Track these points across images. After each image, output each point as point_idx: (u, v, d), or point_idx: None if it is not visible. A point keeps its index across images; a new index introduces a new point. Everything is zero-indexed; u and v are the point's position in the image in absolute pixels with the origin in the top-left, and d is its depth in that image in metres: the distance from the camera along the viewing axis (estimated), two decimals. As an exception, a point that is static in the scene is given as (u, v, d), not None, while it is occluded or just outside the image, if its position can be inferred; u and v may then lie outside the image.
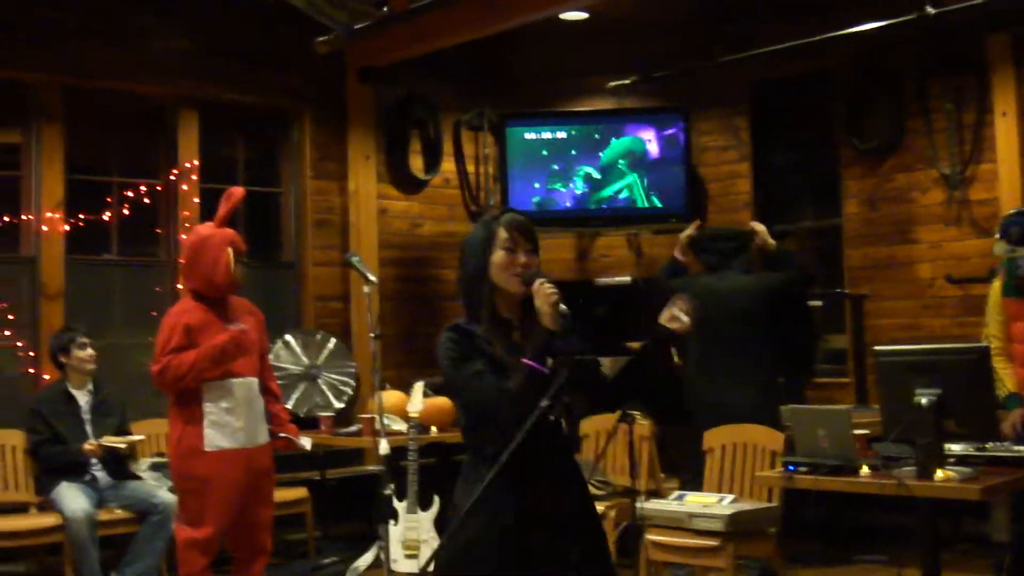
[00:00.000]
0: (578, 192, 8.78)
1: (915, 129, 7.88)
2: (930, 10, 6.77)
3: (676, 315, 3.62)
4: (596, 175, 8.77)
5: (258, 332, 5.66)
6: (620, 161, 8.75)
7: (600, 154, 8.76)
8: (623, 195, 8.76)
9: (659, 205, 8.74)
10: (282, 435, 5.79)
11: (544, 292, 3.45)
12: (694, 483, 6.07)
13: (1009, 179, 7.28)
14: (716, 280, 6.58)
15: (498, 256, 3.49)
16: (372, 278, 5.02)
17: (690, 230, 6.92)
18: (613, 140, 8.77)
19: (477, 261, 3.50)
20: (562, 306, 3.44)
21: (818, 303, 8.36)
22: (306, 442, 6.04)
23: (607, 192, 8.77)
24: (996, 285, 5.69)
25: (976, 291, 7.26)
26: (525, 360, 3.40)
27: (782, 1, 8.19)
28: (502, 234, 3.52)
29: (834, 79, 8.35)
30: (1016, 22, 7.21)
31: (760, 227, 6.69)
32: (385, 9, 7.42)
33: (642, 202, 8.75)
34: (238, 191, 5.61)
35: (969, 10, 7.04)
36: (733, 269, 6.63)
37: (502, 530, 3.41)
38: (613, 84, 8.92)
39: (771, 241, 6.63)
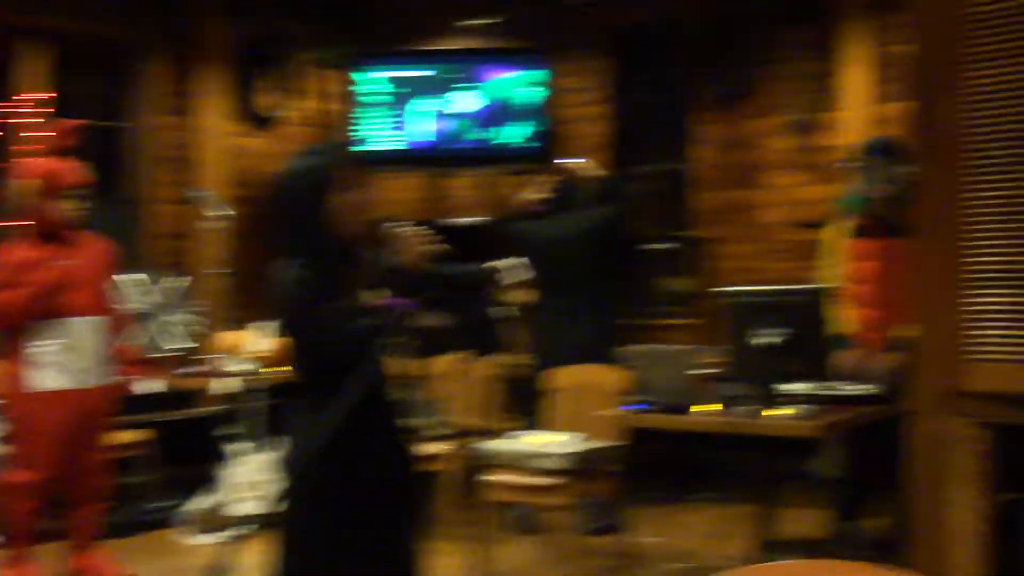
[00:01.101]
0: (433, 132, 8.69)
1: (766, 76, 7.95)
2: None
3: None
4: (453, 115, 8.68)
5: (100, 268, 5.47)
6: (477, 101, 8.68)
7: (457, 94, 8.67)
8: (479, 135, 8.69)
9: (515, 146, 8.69)
10: (125, 376, 5.64)
11: (411, 234, 3.42)
12: (534, 422, 6.08)
13: (856, 127, 7.40)
14: (547, 223, 6.58)
15: (343, 194, 3.40)
16: (220, 214, 4.88)
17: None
18: (471, 80, 8.69)
19: (317, 199, 3.37)
20: (432, 246, 3.43)
21: (664, 245, 8.44)
22: (148, 384, 5.89)
23: (462, 132, 8.69)
24: (835, 228, 5.76)
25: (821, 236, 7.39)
26: (390, 299, 3.36)
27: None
28: (342, 171, 3.43)
29: (690, 25, 8.35)
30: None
31: (571, 163, 6.68)
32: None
33: (498, 143, 8.69)
34: (68, 122, 5.41)
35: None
36: (564, 211, 6.64)
37: (369, 477, 3.39)
38: (474, 23, 8.83)
39: (592, 172, 6.63)
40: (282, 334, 3.47)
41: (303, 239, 3.36)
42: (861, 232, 5.63)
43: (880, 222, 5.53)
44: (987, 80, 4.27)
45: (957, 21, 4.31)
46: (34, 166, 5.33)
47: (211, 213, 4.78)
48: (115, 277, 5.65)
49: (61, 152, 5.33)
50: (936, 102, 4.40)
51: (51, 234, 5.30)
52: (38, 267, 5.18)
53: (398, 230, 3.44)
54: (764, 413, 4.58)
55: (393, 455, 3.51)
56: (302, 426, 3.37)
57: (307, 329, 3.35)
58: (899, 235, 5.45)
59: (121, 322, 5.68)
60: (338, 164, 3.44)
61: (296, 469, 3.27)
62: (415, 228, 3.46)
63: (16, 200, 5.38)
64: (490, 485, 5.40)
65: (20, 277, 5.15)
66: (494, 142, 8.69)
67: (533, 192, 6.75)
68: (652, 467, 7.01)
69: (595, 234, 6.46)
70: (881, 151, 5.48)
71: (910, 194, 5.42)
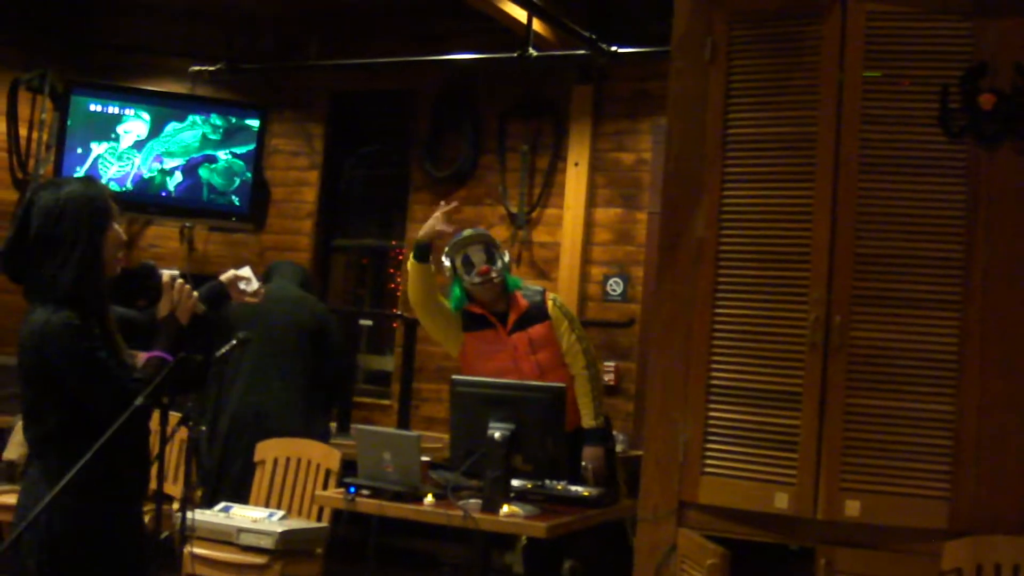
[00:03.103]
0: (138, 175, 8.24)
1: (490, 165, 8.00)
2: (533, 52, 6.88)
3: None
4: (160, 160, 8.28)
5: None
6: (187, 150, 8.31)
7: (168, 139, 8.28)
8: (184, 185, 8.32)
9: (221, 202, 8.38)
10: None
11: (185, 289, 3.32)
12: (224, 493, 5.85)
13: (572, 226, 7.54)
14: (282, 287, 6.39)
15: (115, 234, 3.20)
16: None
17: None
18: (184, 126, 8.31)
19: (89, 239, 3.12)
20: (200, 305, 3.34)
21: (368, 322, 8.31)
22: None
23: (168, 180, 8.29)
24: None
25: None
26: (158, 352, 3.22)
27: (375, 14, 8.14)
28: (114, 207, 3.23)
29: (418, 102, 8.31)
30: (600, 78, 7.51)
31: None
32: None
33: (204, 196, 8.35)
34: None
35: (564, 59, 7.28)
36: (292, 280, 6.49)
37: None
38: (195, 69, 8.50)
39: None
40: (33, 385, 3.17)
41: (78, 284, 3.09)
42: (469, 326, 5.59)
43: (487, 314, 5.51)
44: (739, 199, 4.42)
45: (716, 143, 4.45)
46: None
47: None
48: None
49: None
50: (688, 217, 4.51)
51: None
52: None
53: (167, 278, 3.27)
54: (493, 508, 4.49)
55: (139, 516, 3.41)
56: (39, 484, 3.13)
57: (84, 379, 3.08)
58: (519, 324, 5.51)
59: None
60: (109, 194, 3.27)
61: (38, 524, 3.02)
62: (180, 277, 3.31)
63: None
64: (192, 558, 5.07)
65: None
66: (200, 194, 8.33)
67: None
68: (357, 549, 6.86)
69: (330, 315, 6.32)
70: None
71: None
